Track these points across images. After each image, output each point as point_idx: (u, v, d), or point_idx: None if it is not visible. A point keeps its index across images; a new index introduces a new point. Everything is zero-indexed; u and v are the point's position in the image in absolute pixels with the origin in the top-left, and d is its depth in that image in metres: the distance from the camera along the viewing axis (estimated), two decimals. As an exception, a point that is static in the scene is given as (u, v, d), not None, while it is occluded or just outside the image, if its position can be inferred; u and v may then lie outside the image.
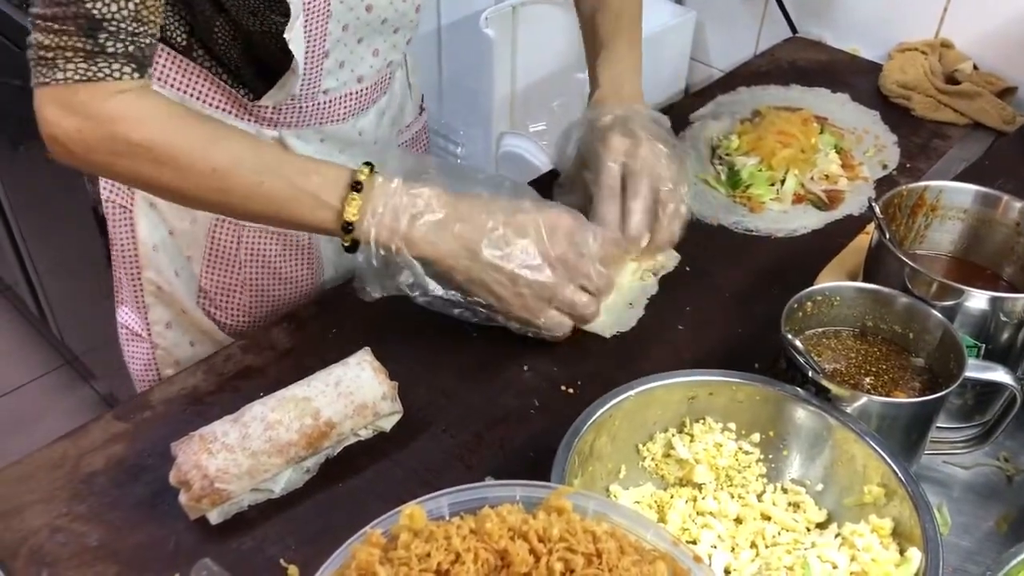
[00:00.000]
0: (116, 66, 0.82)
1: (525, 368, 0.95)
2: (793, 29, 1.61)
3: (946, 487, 0.85)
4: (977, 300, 0.83)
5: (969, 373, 0.77)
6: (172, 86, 0.99)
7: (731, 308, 1.03)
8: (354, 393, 0.83)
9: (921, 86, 1.38)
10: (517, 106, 1.52)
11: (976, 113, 1.35)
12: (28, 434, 2.16)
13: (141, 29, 0.82)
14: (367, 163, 0.89)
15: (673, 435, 0.80)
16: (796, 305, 0.83)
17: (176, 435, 0.80)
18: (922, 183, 0.95)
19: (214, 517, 0.79)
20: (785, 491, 0.79)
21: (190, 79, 0.99)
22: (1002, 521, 0.82)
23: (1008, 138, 1.27)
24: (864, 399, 0.76)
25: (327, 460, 0.84)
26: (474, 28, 1.53)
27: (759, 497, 0.79)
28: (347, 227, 0.87)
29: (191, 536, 0.78)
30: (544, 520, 0.57)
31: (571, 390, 0.92)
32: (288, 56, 0.93)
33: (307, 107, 1.02)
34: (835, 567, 0.71)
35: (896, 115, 1.38)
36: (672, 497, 0.78)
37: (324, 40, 0.95)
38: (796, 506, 0.78)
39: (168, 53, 0.98)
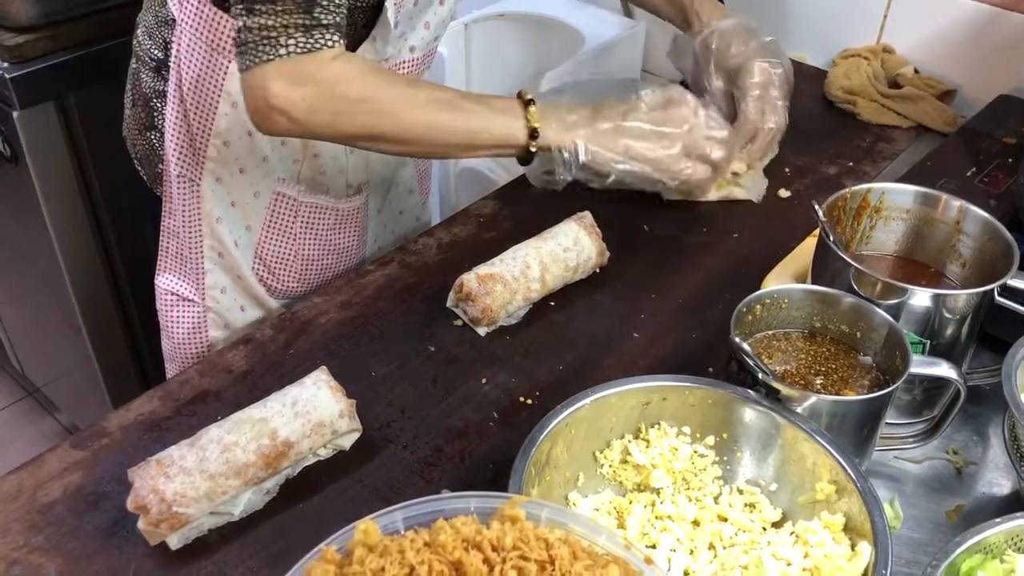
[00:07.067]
0: (328, 35, 0.92)
1: (483, 382, 0.95)
2: (741, 39, 1.63)
3: (899, 482, 0.87)
4: (920, 298, 0.85)
5: (914, 369, 0.79)
6: None
7: (685, 315, 1.05)
8: (311, 412, 0.83)
9: (865, 91, 1.41)
10: (472, 122, 1.53)
11: (919, 116, 1.38)
12: (-10, 468, 2.12)
13: (343, 0, 0.93)
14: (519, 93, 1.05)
15: (629, 441, 0.81)
16: (745, 309, 0.84)
17: (134, 462, 0.80)
18: (865, 186, 0.97)
19: (174, 542, 0.78)
20: (740, 492, 0.80)
21: None
22: (952, 512, 0.84)
23: (950, 139, 1.30)
24: (813, 398, 0.77)
25: (287, 480, 0.84)
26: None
27: (715, 499, 0.80)
28: (533, 133, 1.02)
29: (151, 562, 0.78)
30: (497, 529, 0.58)
31: (529, 401, 0.93)
32: (367, 29, 1.04)
33: None
34: (789, 564, 0.72)
35: (842, 119, 1.41)
36: (631, 503, 0.79)
37: (400, 10, 1.04)
38: (752, 506, 0.79)
39: None
